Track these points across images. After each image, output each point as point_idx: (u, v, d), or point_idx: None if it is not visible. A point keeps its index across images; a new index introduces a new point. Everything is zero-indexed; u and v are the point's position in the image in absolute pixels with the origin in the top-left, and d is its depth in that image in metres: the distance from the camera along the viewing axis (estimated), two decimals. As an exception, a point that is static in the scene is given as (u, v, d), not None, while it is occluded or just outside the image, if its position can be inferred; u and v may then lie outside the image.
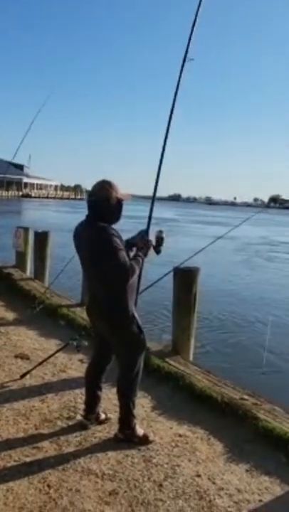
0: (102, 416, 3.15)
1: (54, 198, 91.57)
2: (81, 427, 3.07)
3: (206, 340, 6.49)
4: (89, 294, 3.03)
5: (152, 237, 3.02)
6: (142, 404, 3.42)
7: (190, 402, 3.53)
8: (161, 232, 3.03)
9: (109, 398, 3.42)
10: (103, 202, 2.70)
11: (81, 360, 4.21)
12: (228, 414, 3.33)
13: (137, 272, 2.77)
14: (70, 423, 3.15)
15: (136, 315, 2.81)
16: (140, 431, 2.94)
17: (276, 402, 3.51)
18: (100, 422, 3.12)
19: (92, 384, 3.09)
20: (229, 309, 9.30)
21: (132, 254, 2.85)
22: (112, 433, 3.00)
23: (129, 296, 2.78)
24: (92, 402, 3.09)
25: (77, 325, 5.06)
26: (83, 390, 3.18)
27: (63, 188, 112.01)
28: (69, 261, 5.48)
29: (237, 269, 15.59)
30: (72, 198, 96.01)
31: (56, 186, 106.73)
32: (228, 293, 11.15)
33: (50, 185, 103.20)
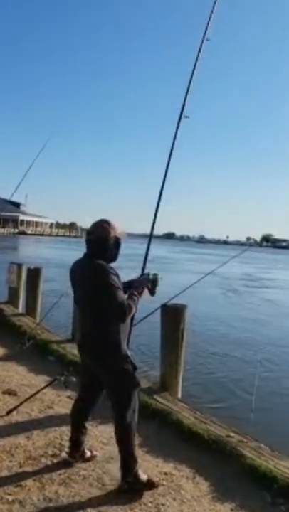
0: (88, 453, 3.11)
1: (49, 235, 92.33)
2: (65, 464, 3.03)
3: (194, 377, 6.46)
4: (81, 332, 2.97)
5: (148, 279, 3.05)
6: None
7: (177, 439, 3.53)
8: (156, 274, 3.07)
9: (95, 435, 3.41)
10: (101, 241, 2.73)
11: (69, 397, 4.19)
12: (214, 451, 3.32)
13: (133, 311, 2.78)
14: (55, 460, 3.12)
15: (129, 353, 2.78)
16: (144, 476, 2.80)
17: (262, 440, 3.52)
18: (85, 460, 3.08)
19: (77, 421, 3.05)
20: (217, 345, 9.31)
21: (127, 293, 2.84)
22: (97, 471, 2.98)
23: (123, 335, 2.76)
24: (77, 439, 3.05)
25: (67, 361, 5.06)
26: (70, 427, 3.16)
27: (58, 225, 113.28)
28: (59, 298, 5.56)
29: (221, 304, 15.74)
30: (67, 236, 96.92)
31: (52, 224, 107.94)
32: (215, 329, 11.18)
33: (46, 223, 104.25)
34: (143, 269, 3.13)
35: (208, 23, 3.56)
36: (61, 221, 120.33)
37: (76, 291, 2.88)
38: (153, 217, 3.36)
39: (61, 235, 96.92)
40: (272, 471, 3.05)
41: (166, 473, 3.06)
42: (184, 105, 3.35)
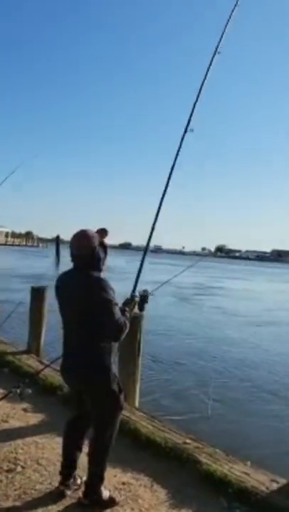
0: (79, 480, 2.87)
1: (5, 244, 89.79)
2: (59, 495, 2.77)
3: (150, 386, 6.50)
4: (66, 351, 2.73)
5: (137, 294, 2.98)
6: (86, 452, 3.36)
7: (135, 449, 3.54)
8: (146, 290, 3.01)
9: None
10: (88, 254, 2.59)
11: (25, 410, 4.10)
12: (171, 459, 3.37)
13: (128, 329, 2.60)
14: (10, 476, 3.04)
15: (117, 374, 2.68)
16: (106, 493, 2.75)
17: (218, 445, 3.60)
18: (79, 487, 2.83)
19: (72, 446, 2.84)
20: (172, 354, 9.42)
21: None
22: (54, 484, 2.93)
23: (114, 355, 2.65)
24: (71, 464, 2.83)
25: (23, 372, 4.95)
26: (25, 440, 3.09)
27: (14, 235, 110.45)
28: (15, 307, 5.45)
29: (174, 313, 16.02)
30: (23, 245, 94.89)
31: (7, 233, 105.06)
32: (169, 337, 11.33)
33: (1, 232, 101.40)
34: (135, 285, 3.02)
35: (221, 36, 3.51)
36: (17, 230, 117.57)
37: (66, 307, 2.67)
38: (150, 231, 3.24)
39: (17, 245, 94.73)
40: (228, 475, 3.13)
41: (124, 483, 3.06)
42: (190, 118, 3.32)
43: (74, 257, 2.64)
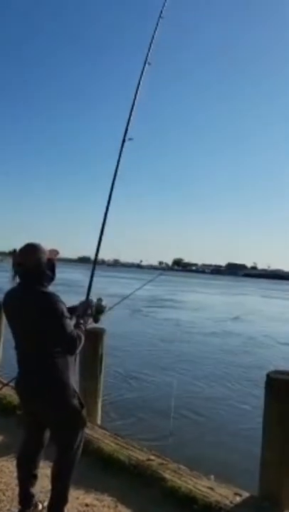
0: (40, 506, 2.74)
1: None
2: None
3: (112, 403, 6.42)
4: (21, 369, 2.60)
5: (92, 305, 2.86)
6: (47, 474, 3.23)
7: (98, 468, 3.45)
8: (100, 299, 2.91)
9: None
10: (34, 269, 2.50)
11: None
12: (135, 476, 3.31)
13: (83, 342, 2.53)
14: None
15: (76, 389, 2.57)
16: None
17: (181, 460, 3.59)
18: None
19: (27, 473, 2.69)
20: (132, 368, 9.39)
21: (72, 322, 2.59)
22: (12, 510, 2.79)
23: (71, 370, 2.55)
24: (27, 492, 2.68)
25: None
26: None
27: None
28: None
29: (131, 326, 16.12)
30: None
31: None
32: (128, 351, 11.30)
33: None
34: (87, 296, 2.90)
35: (149, 47, 3.56)
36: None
37: (15, 324, 2.56)
38: (97, 244, 3.17)
39: None
40: (192, 491, 3.12)
41: (87, 505, 2.97)
42: (127, 127, 3.34)
43: (20, 272, 2.53)
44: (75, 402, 2.51)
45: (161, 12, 3.77)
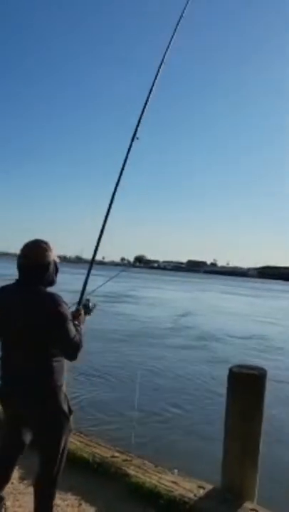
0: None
1: None
2: None
3: (75, 399, 6.34)
4: (7, 374, 2.39)
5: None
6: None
7: (60, 467, 3.38)
8: (88, 300, 2.82)
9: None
10: (41, 266, 2.31)
11: None
12: (100, 474, 3.28)
13: (83, 346, 2.38)
14: None
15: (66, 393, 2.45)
16: None
17: (146, 456, 3.60)
18: None
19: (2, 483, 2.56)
20: (93, 364, 9.34)
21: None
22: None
23: (63, 374, 2.41)
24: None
25: None
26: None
27: None
28: None
29: (93, 321, 16.09)
30: None
31: None
32: (88, 348, 11.22)
33: None
34: (81, 297, 2.82)
35: (167, 48, 3.51)
36: None
37: (6, 327, 2.34)
38: (96, 243, 3.12)
39: None
40: (157, 486, 3.13)
41: (50, 505, 2.91)
42: (137, 126, 3.28)
43: (24, 269, 2.32)
44: (66, 407, 2.40)
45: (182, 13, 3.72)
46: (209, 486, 3.22)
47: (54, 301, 2.27)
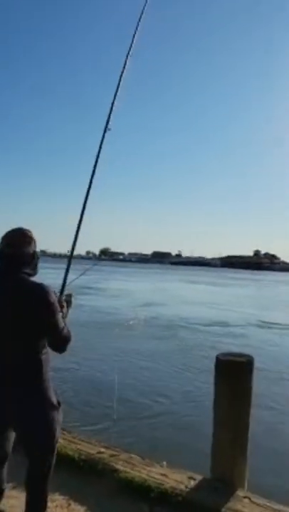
0: None
1: None
2: None
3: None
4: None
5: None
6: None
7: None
8: (70, 295, 2.70)
9: None
10: (28, 256, 2.22)
11: None
12: (87, 471, 3.17)
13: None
14: None
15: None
16: None
17: (132, 450, 3.51)
18: None
19: None
20: (67, 359, 9.16)
21: None
22: None
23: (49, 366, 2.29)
24: None
25: None
26: None
27: None
28: None
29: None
30: None
31: None
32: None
33: None
34: (62, 289, 2.73)
35: (132, 40, 3.53)
36: None
37: None
38: (74, 237, 3.05)
39: None
40: (147, 480, 3.06)
41: (37, 507, 2.77)
42: (109, 118, 3.27)
43: (7, 256, 2.19)
44: (55, 400, 2.27)
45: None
46: (199, 477, 3.18)
47: (44, 290, 2.16)
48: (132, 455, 3.41)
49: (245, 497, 2.96)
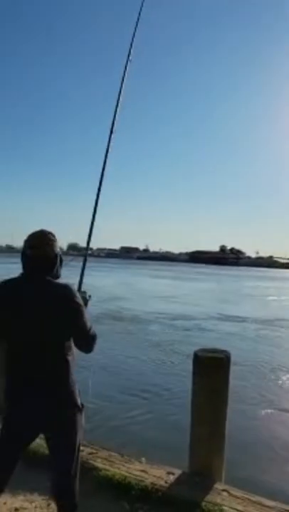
0: None
1: None
2: None
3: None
4: (21, 374, 2.16)
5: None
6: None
7: (22, 467, 3.15)
8: (85, 292, 2.66)
9: None
10: (52, 258, 2.20)
11: None
12: (66, 471, 3.13)
13: None
14: None
15: None
16: None
17: (111, 447, 3.50)
18: None
19: None
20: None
21: None
22: None
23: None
24: None
25: None
26: None
27: None
28: None
29: None
30: None
31: None
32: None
33: None
34: (79, 289, 2.67)
35: (131, 45, 3.66)
36: None
37: (17, 322, 2.12)
38: (88, 233, 3.20)
39: None
40: (127, 477, 3.06)
41: (17, 509, 2.74)
42: (114, 121, 3.37)
43: (31, 258, 2.17)
44: (80, 402, 2.26)
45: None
46: (178, 472, 3.22)
47: (72, 291, 2.17)
48: (111, 452, 3.40)
49: (223, 490, 3.02)
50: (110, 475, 3.06)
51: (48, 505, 2.80)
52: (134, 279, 42.29)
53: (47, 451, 3.30)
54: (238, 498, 2.95)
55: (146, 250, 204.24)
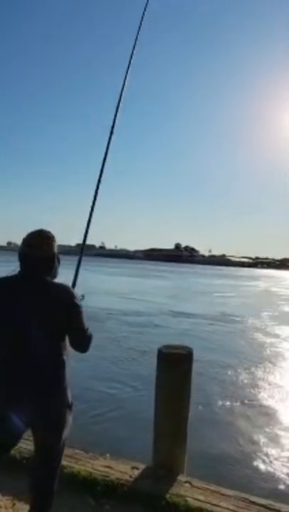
0: None
1: None
2: None
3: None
4: (18, 374, 2.10)
5: None
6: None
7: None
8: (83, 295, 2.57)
9: None
10: (50, 258, 2.19)
11: None
12: (30, 469, 3.11)
13: None
14: None
15: None
16: None
17: (76, 445, 3.51)
18: None
19: None
20: None
21: None
22: None
23: None
24: None
25: None
26: None
27: None
28: None
29: None
30: None
31: None
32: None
33: None
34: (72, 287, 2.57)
35: (133, 49, 3.59)
36: None
37: (14, 321, 2.08)
38: (84, 231, 3.13)
39: None
40: (92, 473, 3.10)
41: (-20, 510, 2.69)
42: (114, 122, 3.33)
43: (31, 259, 2.14)
44: (70, 401, 2.22)
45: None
46: (142, 466, 3.29)
47: (69, 291, 2.19)
48: (76, 450, 3.41)
49: (186, 482, 3.13)
50: (76, 472, 3.08)
51: (13, 505, 2.79)
52: (91, 276, 41.95)
53: (12, 451, 3.28)
54: (200, 488, 3.07)
55: (102, 247, 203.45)
